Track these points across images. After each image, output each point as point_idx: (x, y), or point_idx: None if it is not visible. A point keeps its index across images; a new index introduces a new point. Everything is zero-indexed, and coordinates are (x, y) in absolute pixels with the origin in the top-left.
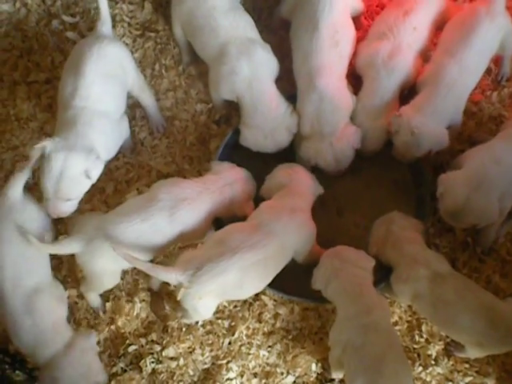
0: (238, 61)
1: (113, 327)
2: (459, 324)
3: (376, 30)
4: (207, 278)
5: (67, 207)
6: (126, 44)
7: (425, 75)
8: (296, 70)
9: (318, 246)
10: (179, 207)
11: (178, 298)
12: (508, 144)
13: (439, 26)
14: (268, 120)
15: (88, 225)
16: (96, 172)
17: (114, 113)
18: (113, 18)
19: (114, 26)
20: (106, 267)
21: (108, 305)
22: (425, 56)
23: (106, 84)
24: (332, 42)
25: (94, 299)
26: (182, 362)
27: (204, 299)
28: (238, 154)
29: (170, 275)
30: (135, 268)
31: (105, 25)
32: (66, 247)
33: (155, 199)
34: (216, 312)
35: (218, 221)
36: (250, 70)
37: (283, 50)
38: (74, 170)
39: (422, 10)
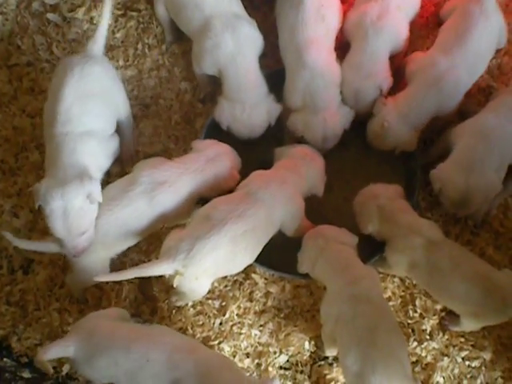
0: (222, 35)
1: (101, 308)
2: (455, 293)
3: None
4: (201, 256)
5: (85, 241)
6: (108, 24)
7: (414, 67)
8: (283, 47)
9: (308, 221)
10: (159, 190)
11: (175, 285)
12: (496, 116)
13: None
14: (250, 95)
15: None
16: (97, 192)
17: (100, 131)
18: None
19: (95, 7)
20: (95, 261)
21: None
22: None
23: (87, 104)
24: (318, 16)
25: (78, 290)
26: None
27: (200, 279)
28: (224, 132)
29: (162, 267)
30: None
31: (96, 44)
32: (50, 246)
33: (135, 183)
34: (206, 292)
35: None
36: (234, 45)
37: (267, 27)
38: (76, 201)
39: None
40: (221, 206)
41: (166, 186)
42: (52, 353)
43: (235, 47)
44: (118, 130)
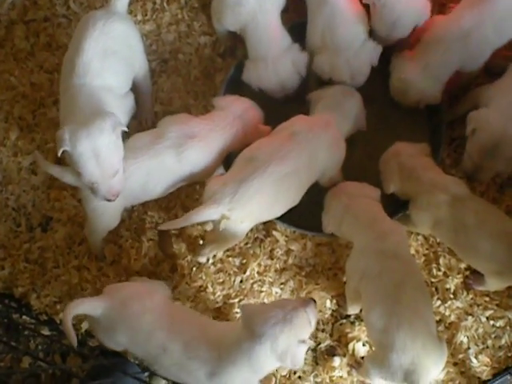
0: None
1: (121, 266)
2: (480, 250)
3: None
4: (246, 199)
5: (118, 183)
6: None
7: (436, 25)
8: None
9: (341, 172)
10: (188, 145)
11: (221, 229)
12: None
13: None
14: (272, 50)
15: None
16: (119, 122)
17: (116, 88)
18: None
19: None
20: (107, 204)
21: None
22: None
23: (106, 59)
24: None
25: (96, 243)
26: (193, 300)
27: (244, 222)
28: (244, 88)
29: (209, 212)
30: (143, 205)
31: (120, 1)
32: (68, 175)
33: (163, 137)
34: (226, 250)
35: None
36: (256, 2)
37: None
38: (103, 137)
39: None
40: (264, 147)
41: (195, 140)
42: (81, 308)
43: (257, 4)
44: (136, 88)
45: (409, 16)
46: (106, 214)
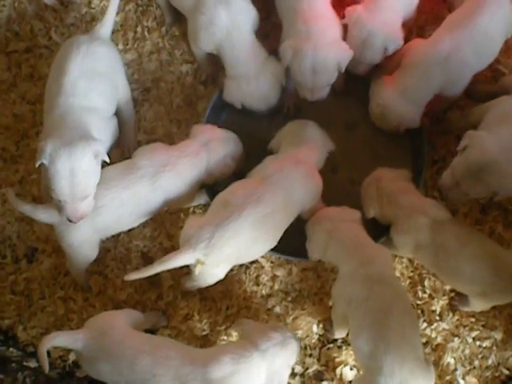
0: (215, 10)
1: (106, 296)
2: (462, 273)
3: None
4: (222, 243)
5: (86, 206)
6: (106, 7)
7: (415, 48)
8: None
9: (321, 203)
10: (160, 174)
11: (196, 274)
12: None
13: None
14: (251, 66)
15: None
16: (103, 151)
17: (102, 110)
18: None
19: None
20: (83, 238)
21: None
22: None
23: (92, 80)
24: None
25: (79, 275)
26: (179, 329)
27: (221, 266)
28: (227, 114)
29: (184, 257)
30: (127, 234)
31: (104, 27)
32: (42, 213)
33: (135, 167)
34: None
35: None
36: (228, 19)
37: (268, 7)
38: (84, 161)
39: None
40: (238, 191)
41: (166, 169)
42: (59, 340)
43: (230, 21)
44: (119, 117)
45: (378, 36)
46: (83, 248)
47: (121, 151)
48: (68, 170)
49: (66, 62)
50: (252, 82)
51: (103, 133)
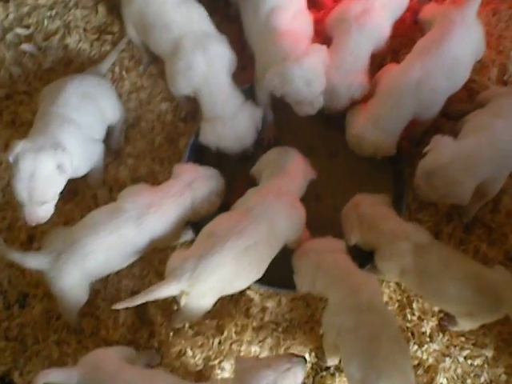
0: (193, 55)
1: (99, 337)
2: (447, 294)
3: None
4: (206, 275)
5: (44, 212)
6: (83, 49)
7: (387, 76)
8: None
9: (307, 230)
10: (145, 216)
11: (182, 305)
12: (507, 123)
13: None
14: (228, 109)
15: (56, 239)
16: (68, 165)
17: (87, 128)
18: (67, 24)
19: (69, 33)
20: (73, 283)
21: (91, 319)
22: None
23: (84, 99)
24: None
25: (71, 318)
26: (173, 366)
27: (206, 297)
28: (208, 151)
29: (169, 289)
30: (117, 274)
31: (100, 67)
32: (32, 260)
33: (121, 210)
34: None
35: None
36: (206, 65)
37: (244, 39)
38: (46, 168)
39: None
40: (222, 223)
41: (151, 210)
42: (53, 376)
43: (207, 67)
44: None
45: (343, 88)
46: (73, 293)
47: (108, 191)
48: (29, 172)
49: (64, 82)
50: (227, 124)
51: (79, 150)
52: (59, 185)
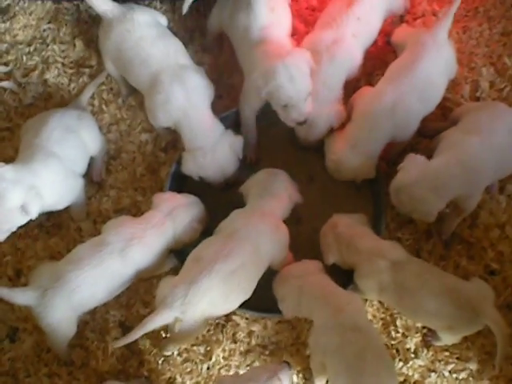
0: (171, 89)
1: (90, 368)
2: (426, 309)
3: (320, 21)
4: (197, 299)
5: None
6: (62, 83)
7: (361, 100)
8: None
9: (291, 255)
10: (129, 248)
11: (176, 331)
12: (481, 142)
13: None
14: (208, 140)
15: (42, 275)
16: (34, 209)
17: (70, 162)
18: (45, 60)
19: (48, 69)
20: (61, 317)
21: (80, 351)
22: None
23: (67, 133)
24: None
25: (61, 351)
26: None
27: (199, 321)
28: (189, 179)
29: (162, 318)
30: (104, 305)
31: (80, 100)
32: (19, 296)
33: (104, 243)
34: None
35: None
36: (184, 98)
37: (220, 68)
38: (11, 202)
39: (367, 0)
40: (208, 247)
41: (134, 242)
42: None
43: (185, 99)
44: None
45: (320, 119)
46: (62, 327)
47: (92, 224)
48: None
49: (47, 116)
50: (208, 154)
51: (61, 184)
52: (18, 221)
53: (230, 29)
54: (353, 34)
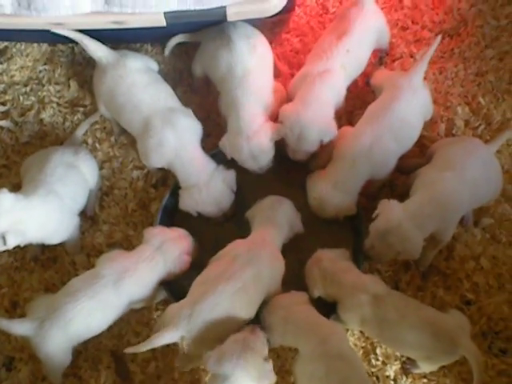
0: (163, 133)
1: None
2: (405, 341)
3: (311, 55)
4: (202, 319)
5: None
6: (56, 122)
7: (341, 140)
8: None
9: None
10: (122, 280)
11: (186, 351)
12: (455, 175)
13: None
14: (201, 177)
15: (39, 306)
16: (12, 241)
17: (69, 200)
18: (41, 100)
19: (43, 108)
20: (58, 347)
21: (73, 379)
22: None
23: (68, 170)
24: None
25: (56, 380)
26: None
27: (204, 342)
28: (179, 214)
29: (169, 336)
30: (97, 336)
31: (75, 136)
32: (18, 327)
33: (98, 276)
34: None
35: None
36: (175, 140)
37: (207, 107)
38: None
39: (356, 34)
40: (211, 272)
41: (127, 274)
42: None
43: (177, 141)
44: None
45: (312, 130)
46: (58, 356)
47: (86, 257)
48: None
49: (48, 154)
50: (203, 190)
51: (57, 221)
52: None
53: (211, 71)
54: (341, 66)
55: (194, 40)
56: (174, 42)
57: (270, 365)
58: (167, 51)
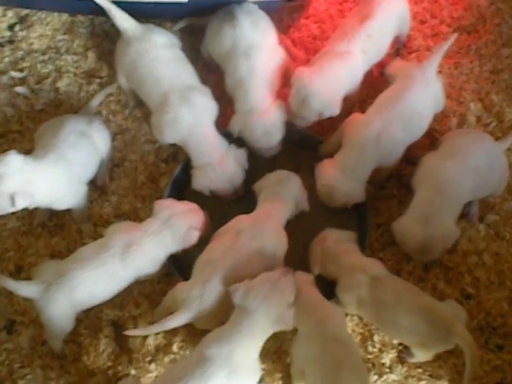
0: (179, 109)
1: (81, 363)
2: (401, 325)
3: (332, 36)
4: (213, 297)
5: None
6: (72, 92)
7: (351, 127)
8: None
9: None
10: (129, 253)
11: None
12: (453, 163)
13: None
14: (214, 156)
15: (46, 271)
16: (20, 203)
17: (78, 168)
18: (58, 69)
19: (60, 77)
20: (61, 312)
21: (73, 346)
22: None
23: (81, 138)
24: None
25: (56, 345)
26: None
27: (218, 316)
28: (187, 189)
29: (182, 319)
30: (98, 304)
31: (90, 106)
32: (24, 288)
33: (107, 246)
34: (181, 341)
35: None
36: (191, 117)
37: (222, 87)
38: (4, 187)
39: (378, 19)
40: (216, 248)
41: (133, 248)
42: None
43: (193, 119)
44: None
45: (315, 100)
46: (60, 322)
47: (93, 226)
48: None
49: (62, 121)
50: (217, 168)
51: (65, 187)
52: (3, 208)
53: (216, 50)
54: (361, 50)
55: (204, 23)
56: (183, 23)
57: (291, 312)
58: (177, 27)
